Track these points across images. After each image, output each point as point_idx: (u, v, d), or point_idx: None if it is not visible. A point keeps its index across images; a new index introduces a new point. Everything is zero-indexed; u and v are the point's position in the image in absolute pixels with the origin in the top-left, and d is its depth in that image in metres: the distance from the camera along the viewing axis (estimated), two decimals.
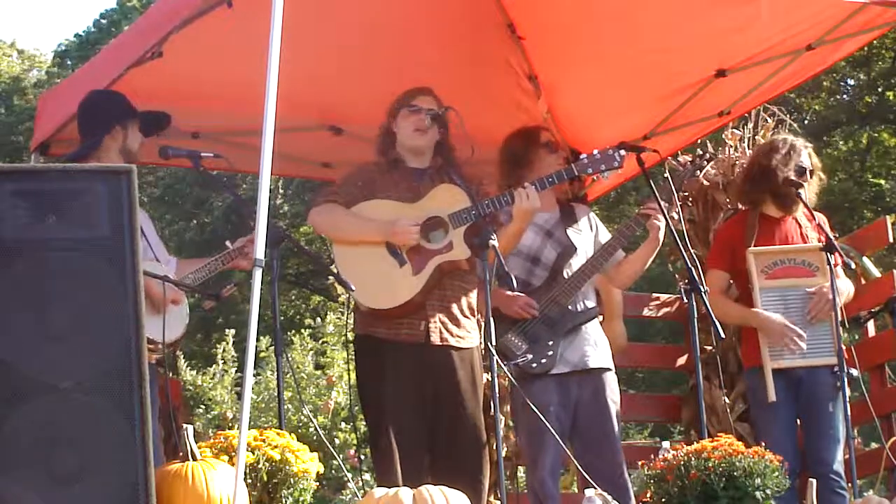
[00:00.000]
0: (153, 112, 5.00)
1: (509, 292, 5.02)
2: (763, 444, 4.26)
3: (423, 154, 5.05)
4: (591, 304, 5.21)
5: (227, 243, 5.20)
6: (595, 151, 5.00)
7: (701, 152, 5.43)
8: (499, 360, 4.55)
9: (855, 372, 5.04)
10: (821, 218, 5.39)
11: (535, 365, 5.05)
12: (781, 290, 5.28)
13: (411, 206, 4.92)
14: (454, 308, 4.95)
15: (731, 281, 5.50)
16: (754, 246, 5.31)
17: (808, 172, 5.40)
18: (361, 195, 4.93)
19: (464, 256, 4.86)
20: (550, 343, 5.08)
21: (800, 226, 5.40)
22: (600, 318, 5.38)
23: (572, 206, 5.44)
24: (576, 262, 5.18)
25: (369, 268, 4.82)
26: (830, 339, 5.12)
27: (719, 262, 5.48)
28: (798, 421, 5.29)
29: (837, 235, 5.57)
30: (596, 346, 5.16)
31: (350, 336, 5.07)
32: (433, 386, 4.85)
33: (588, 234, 5.34)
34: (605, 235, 5.34)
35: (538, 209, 4.91)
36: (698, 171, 5.34)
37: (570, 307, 5.14)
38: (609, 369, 5.18)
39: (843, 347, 5.13)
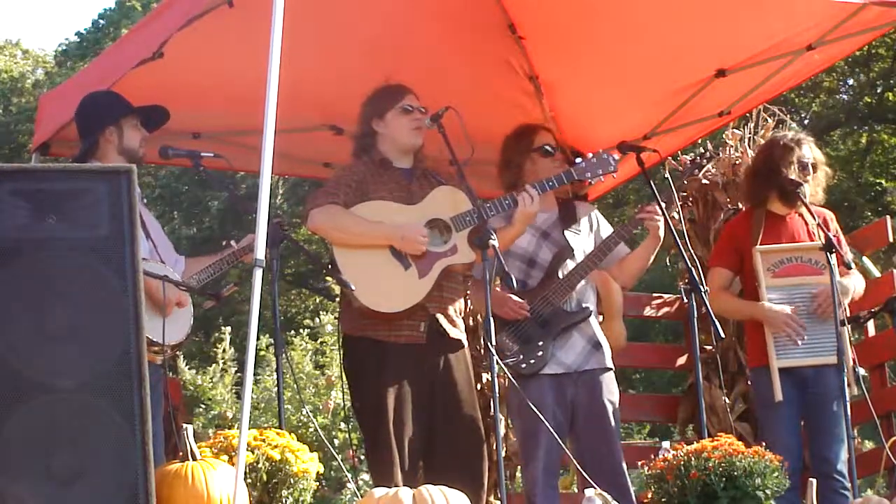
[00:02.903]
0: (151, 106, 4.99)
1: (500, 293, 5.04)
2: (765, 443, 4.26)
3: (410, 154, 5.05)
4: (586, 304, 5.19)
5: (232, 242, 5.18)
6: (591, 155, 5.02)
7: (702, 150, 5.42)
8: (499, 360, 4.54)
9: (862, 371, 5.04)
10: (824, 215, 5.37)
11: (524, 365, 5.04)
12: (788, 289, 5.28)
13: (412, 207, 4.91)
14: (450, 308, 4.96)
15: (735, 278, 5.48)
16: (760, 243, 5.31)
17: (810, 167, 5.40)
18: (356, 196, 4.91)
19: (469, 260, 4.85)
20: (541, 343, 5.07)
21: (806, 223, 5.39)
22: (600, 318, 5.37)
23: (573, 205, 5.43)
24: (572, 264, 5.17)
25: (374, 271, 4.80)
26: (836, 339, 5.10)
27: (723, 260, 5.47)
28: (802, 420, 5.29)
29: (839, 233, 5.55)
30: (592, 347, 5.15)
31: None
32: (431, 386, 4.85)
33: (587, 234, 5.32)
34: (607, 232, 5.32)
35: (538, 212, 4.93)
36: (697, 170, 5.34)
37: (563, 307, 5.13)
38: (607, 369, 5.16)
39: (850, 346, 5.13)
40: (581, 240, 5.27)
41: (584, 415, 5.09)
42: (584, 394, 5.09)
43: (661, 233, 5.05)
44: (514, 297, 5.07)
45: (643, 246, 5.19)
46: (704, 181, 6.44)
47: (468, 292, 5.55)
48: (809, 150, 5.43)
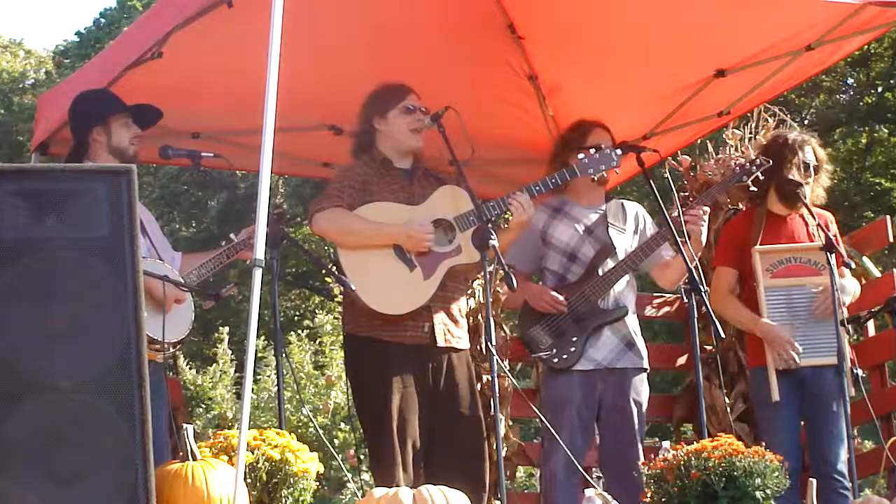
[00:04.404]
0: (142, 104, 4.98)
1: (540, 287, 5.08)
2: (764, 443, 4.26)
3: (410, 155, 5.05)
4: (623, 302, 5.20)
5: (232, 235, 5.18)
6: (593, 151, 5.03)
7: (754, 158, 5.35)
8: (498, 361, 4.55)
9: (861, 372, 5.04)
10: (825, 217, 5.36)
11: (556, 360, 5.08)
12: (786, 289, 5.28)
13: (415, 208, 4.91)
14: (453, 308, 4.96)
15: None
16: (761, 243, 5.30)
17: (812, 168, 5.39)
18: (360, 198, 4.91)
19: (474, 260, 4.83)
20: (574, 339, 5.10)
21: (806, 223, 5.39)
22: None
23: (621, 203, 5.44)
24: (612, 262, 5.20)
25: (379, 273, 4.80)
26: (835, 339, 5.10)
27: (727, 259, 5.46)
28: (801, 421, 5.28)
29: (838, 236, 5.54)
30: (625, 346, 5.18)
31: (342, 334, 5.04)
32: (435, 387, 4.86)
33: (632, 233, 5.34)
34: (652, 231, 5.33)
35: (532, 217, 4.90)
36: (745, 177, 5.29)
37: (599, 304, 5.14)
38: (640, 369, 5.20)
39: (849, 347, 5.12)
40: (625, 238, 5.29)
41: (608, 412, 5.13)
42: (612, 392, 5.13)
43: (704, 237, 5.02)
44: (553, 293, 5.10)
45: (686, 251, 5.15)
46: (708, 174, 6.41)
47: (469, 291, 5.55)
48: (812, 153, 5.42)
